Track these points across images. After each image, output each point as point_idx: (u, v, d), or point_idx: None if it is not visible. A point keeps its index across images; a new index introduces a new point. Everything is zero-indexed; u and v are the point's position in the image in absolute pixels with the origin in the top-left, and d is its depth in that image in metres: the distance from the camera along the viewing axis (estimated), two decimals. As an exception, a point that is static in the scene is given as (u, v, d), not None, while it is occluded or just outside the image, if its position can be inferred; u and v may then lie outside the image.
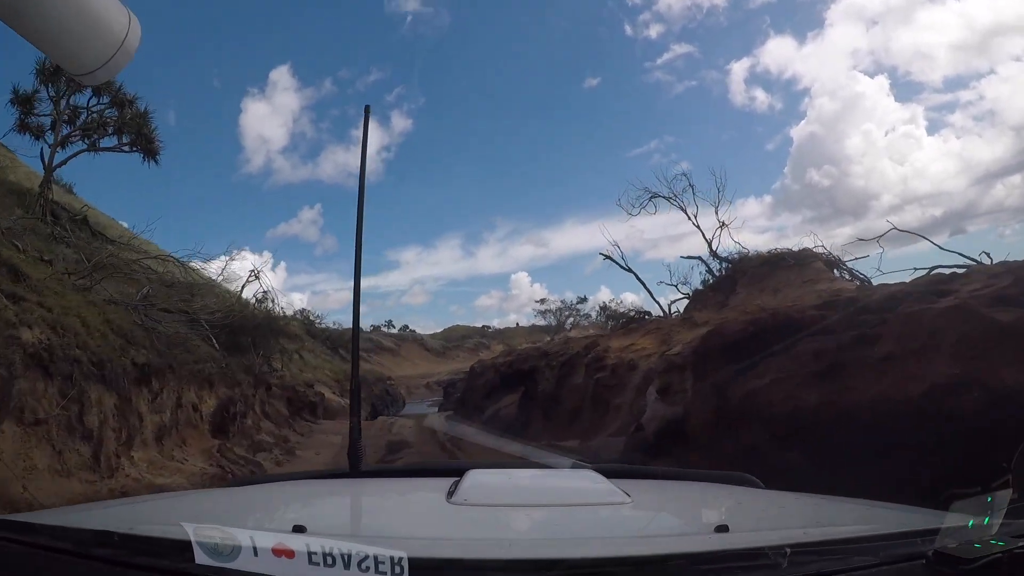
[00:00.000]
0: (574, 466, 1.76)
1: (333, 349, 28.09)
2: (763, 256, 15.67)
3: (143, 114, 14.74)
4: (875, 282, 13.12)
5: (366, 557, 0.75)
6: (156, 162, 14.92)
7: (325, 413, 16.29)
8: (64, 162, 13.76)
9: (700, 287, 16.66)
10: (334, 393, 19.28)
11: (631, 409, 8.61)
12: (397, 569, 0.74)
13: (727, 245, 16.91)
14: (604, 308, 24.34)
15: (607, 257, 17.28)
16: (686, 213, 17.34)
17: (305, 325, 26.56)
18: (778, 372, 5.47)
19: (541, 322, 45.42)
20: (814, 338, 5.57)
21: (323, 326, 29.18)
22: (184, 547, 0.82)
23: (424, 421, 15.73)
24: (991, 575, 0.81)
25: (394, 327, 66.95)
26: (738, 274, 15.64)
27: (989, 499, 0.96)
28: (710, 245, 16.91)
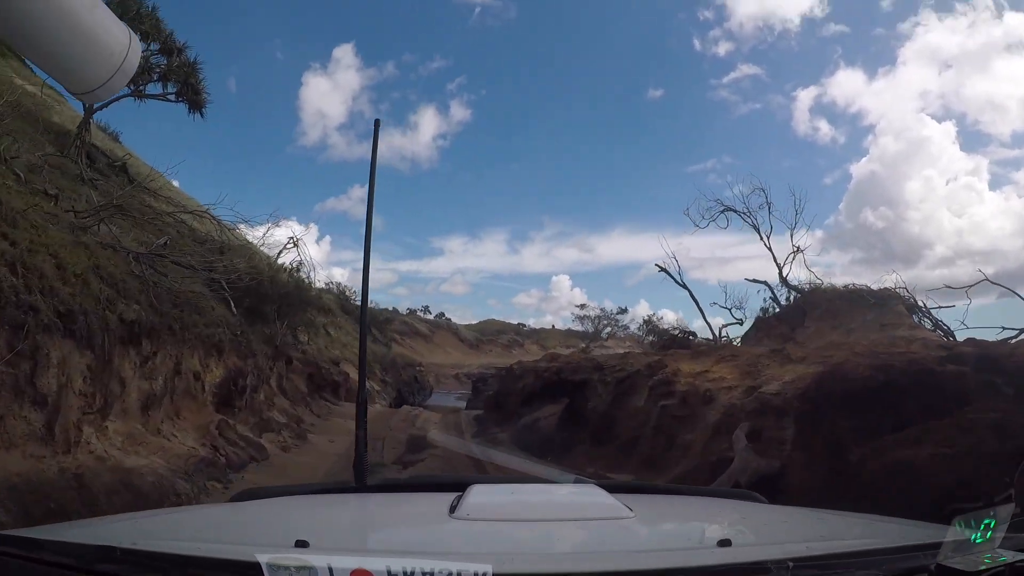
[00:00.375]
0: (576, 481, 1.79)
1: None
2: (838, 290, 14.40)
3: (192, 64, 14.06)
4: (959, 336, 11.90)
5: (449, 575, 0.75)
6: (202, 115, 14.29)
7: (348, 395, 15.35)
8: (106, 105, 13.18)
9: (761, 314, 15.54)
10: (361, 374, 18.45)
11: (704, 450, 7.13)
12: None
13: (795, 274, 15.65)
14: (648, 322, 22.59)
15: (662, 269, 16.38)
16: (759, 232, 16.09)
17: (340, 300, 25.90)
18: (943, 444, 3.93)
19: (578, 327, 44.13)
20: (986, 404, 4.05)
21: (357, 303, 28.44)
22: (187, 563, 0.86)
23: (451, 417, 14.55)
24: None
25: (430, 313, 66.90)
26: (808, 306, 14.39)
27: (991, 514, 0.95)
28: (780, 271, 15.69)
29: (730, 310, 15.80)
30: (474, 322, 69.29)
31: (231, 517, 1.47)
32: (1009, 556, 0.86)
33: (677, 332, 16.78)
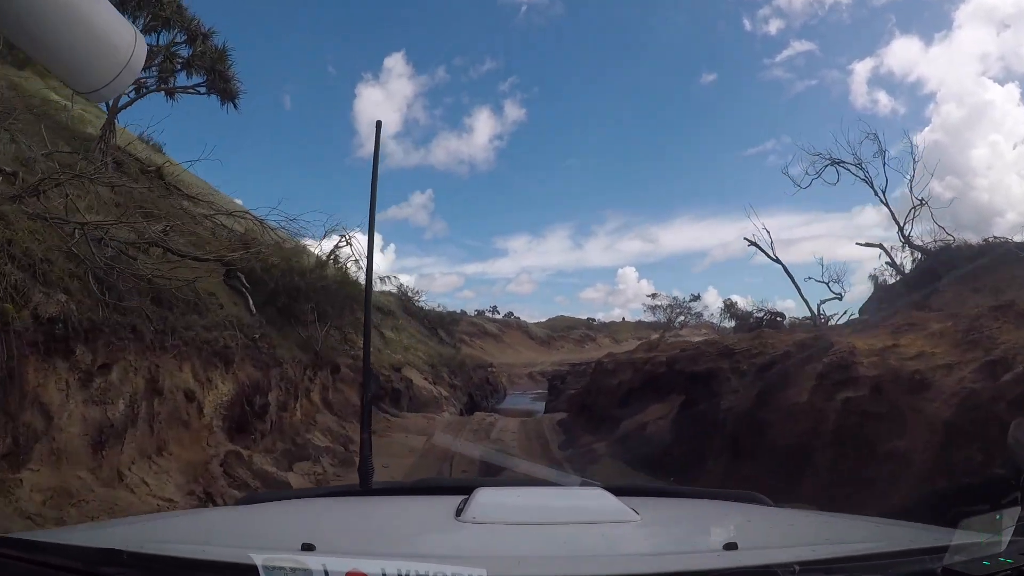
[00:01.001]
0: (583, 484, 1.76)
1: (431, 329, 25.79)
2: (976, 246, 12.57)
3: (219, 51, 12.68)
4: None
5: None
6: (235, 106, 12.88)
7: (411, 404, 13.50)
8: (130, 103, 11.99)
9: (874, 283, 14.09)
10: (427, 379, 16.58)
11: (936, 464, 4.47)
12: None
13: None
14: (730, 305, 20.82)
15: (752, 243, 14.64)
16: (872, 187, 13.83)
17: (401, 301, 24.43)
18: None
19: (649, 318, 43.33)
20: None
21: (421, 304, 26.94)
22: (193, 566, 0.87)
23: (531, 423, 12.28)
24: None
25: (498, 313, 66.21)
26: (941, 267, 12.39)
27: (998, 517, 0.96)
28: (901, 229, 13.48)
29: (827, 284, 14.07)
30: (542, 320, 68.67)
31: (237, 520, 1.47)
32: (1015, 559, 0.86)
33: (763, 314, 16.00)
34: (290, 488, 5.71)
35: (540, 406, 19.78)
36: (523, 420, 12.65)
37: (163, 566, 0.89)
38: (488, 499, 1.34)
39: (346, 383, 10.19)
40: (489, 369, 29.05)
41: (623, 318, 63.99)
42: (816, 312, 13.67)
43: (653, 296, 42.33)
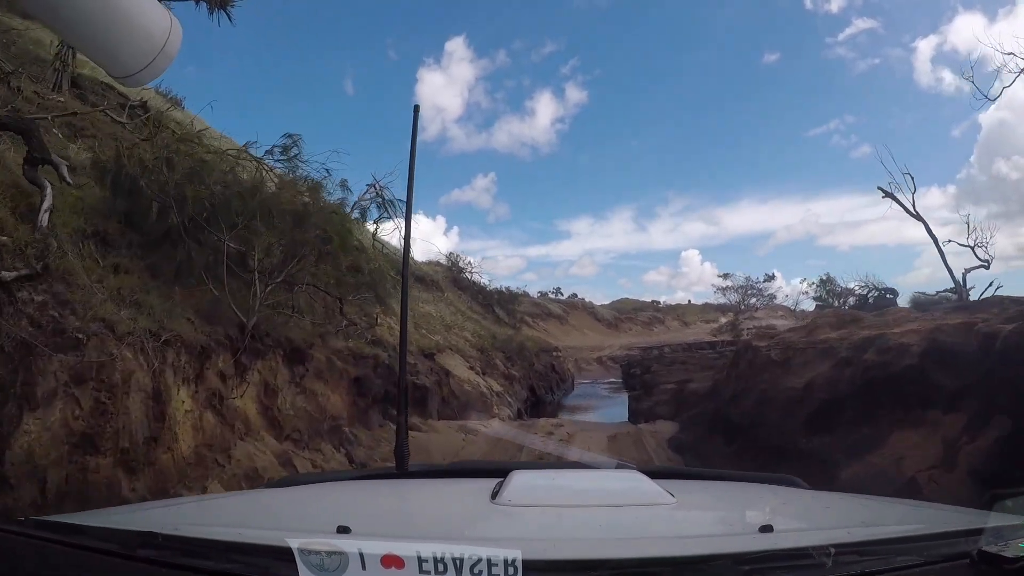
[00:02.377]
0: (618, 466, 1.77)
1: (486, 307, 21.75)
2: None
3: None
4: None
5: (479, 560, 0.75)
6: (229, 17, 9.25)
7: (448, 405, 9.43)
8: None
9: None
10: (473, 369, 12.48)
11: None
12: (511, 570, 0.74)
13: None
14: (825, 281, 19.34)
15: (887, 195, 12.77)
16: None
17: (451, 271, 20.50)
18: None
19: (718, 300, 41.87)
20: None
21: (475, 278, 22.90)
22: (228, 548, 0.86)
23: (627, 441, 7.82)
24: None
25: (562, 294, 62.61)
26: None
27: None
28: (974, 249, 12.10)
29: (972, 249, 12.23)
30: (606, 302, 65.73)
31: (272, 503, 1.46)
32: None
33: (870, 290, 14.88)
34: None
35: (619, 403, 15.26)
36: (613, 436, 8.23)
37: (198, 548, 0.88)
38: (523, 482, 1.34)
39: (329, 378, 6.19)
40: (554, 354, 24.76)
41: (688, 300, 60.85)
42: (961, 283, 11.93)
43: (724, 276, 40.12)
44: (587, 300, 62.08)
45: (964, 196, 48.27)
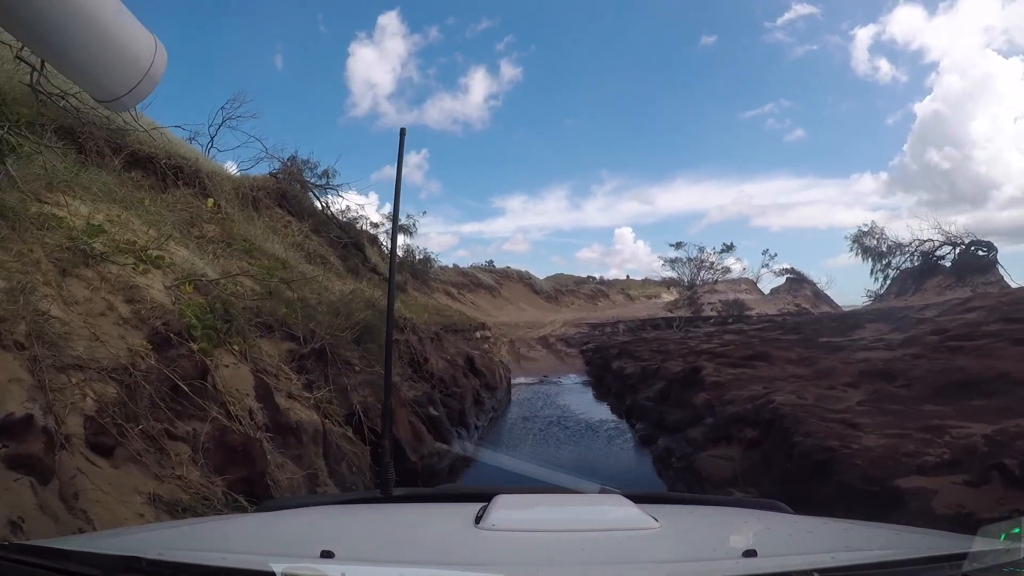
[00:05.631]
0: (601, 491, 1.77)
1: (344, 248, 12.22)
2: None
3: None
4: None
5: None
6: None
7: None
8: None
9: None
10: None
11: None
12: None
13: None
14: (865, 233, 19.29)
15: None
16: None
17: (283, 183, 10.76)
18: None
19: (666, 273, 42.24)
20: None
21: (319, 199, 13.12)
22: (211, 572, 0.87)
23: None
24: None
25: (495, 267, 55.37)
26: None
27: (1018, 524, 0.96)
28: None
29: None
30: (541, 278, 61.85)
31: (257, 528, 1.46)
32: None
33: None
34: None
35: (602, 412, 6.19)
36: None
37: (182, 573, 0.89)
38: (507, 506, 1.35)
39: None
40: (482, 335, 15.64)
41: (627, 276, 57.66)
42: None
43: (677, 246, 39.09)
44: (524, 270, 55.34)
45: (896, 183, 50.19)
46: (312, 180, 13.55)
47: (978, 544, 0.95)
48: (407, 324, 8.88)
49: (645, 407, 7.70)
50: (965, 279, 17.61)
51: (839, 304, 35.22)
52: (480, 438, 7.69)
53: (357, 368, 5.74)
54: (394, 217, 2.18)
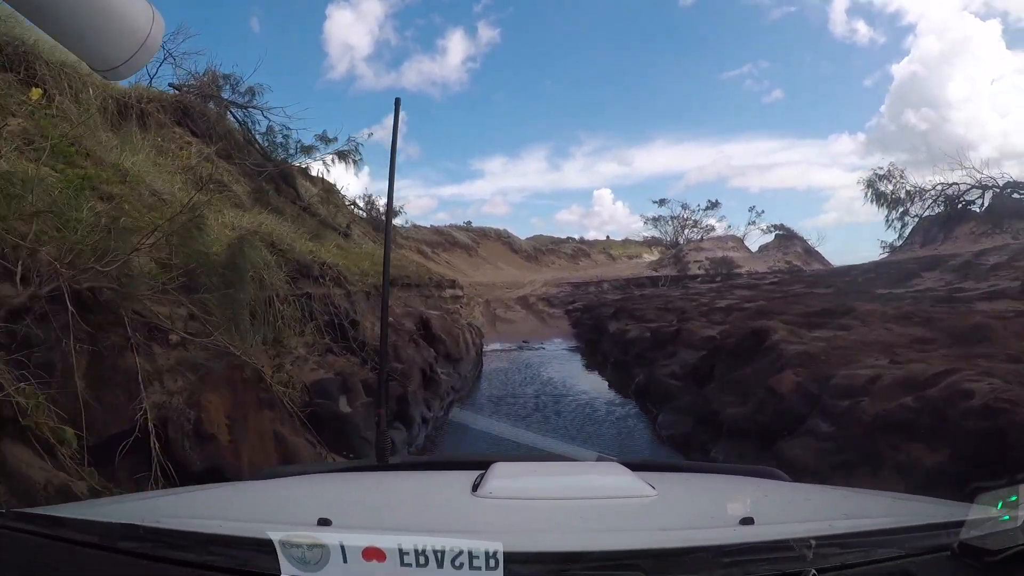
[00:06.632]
0: (599, 459, 1.74)
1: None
2: None
3: None
4: None
5: (460, 552, 0.74)
6: None
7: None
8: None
9: None
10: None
11: None
12: (492, 562, 0.73)
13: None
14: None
15: None
16: None
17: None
18: None
19: (649, 232, 41.48)
20: None
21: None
22: (210, 540, 0.86)
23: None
24: (1016, 567, 0.80)
25: (472, 227, 53.17)
26: None
27: (1016, 491, 0.93)
28: None
29: None
30: (522, 238, 60.58)
31: (254, 495, 1.44)
32: None
33: None
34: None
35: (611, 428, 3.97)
36: None
37: (179, 540, 0.88)
38: (504, 474, 1.33)
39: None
40: (449, 293, 13.06)
41: (607, 236, 58.01)
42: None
43: (661, 203, 38.62)
44: (502, 229, 52.96)
45: (873, 144, 50.68)
46: (233, 99, 10.65)
47: (975, 511, 0.94)
48: (328, 272, 6.23)
49: (669, 387, 5.32)
50: (1002, 225, 15.39)
51: (830, 262, 34.10)
52: (428, 437, 5.23)
53: (174, 338, 3.12)
54: (389, 189, 2.18)
